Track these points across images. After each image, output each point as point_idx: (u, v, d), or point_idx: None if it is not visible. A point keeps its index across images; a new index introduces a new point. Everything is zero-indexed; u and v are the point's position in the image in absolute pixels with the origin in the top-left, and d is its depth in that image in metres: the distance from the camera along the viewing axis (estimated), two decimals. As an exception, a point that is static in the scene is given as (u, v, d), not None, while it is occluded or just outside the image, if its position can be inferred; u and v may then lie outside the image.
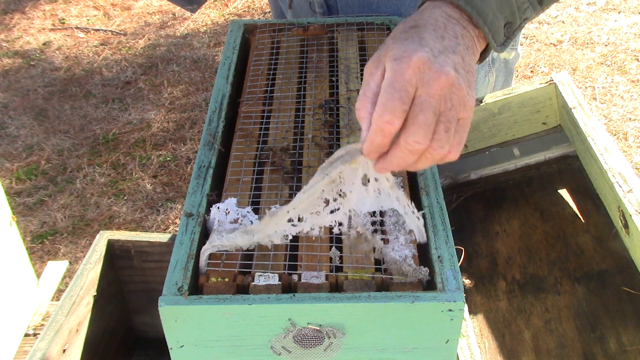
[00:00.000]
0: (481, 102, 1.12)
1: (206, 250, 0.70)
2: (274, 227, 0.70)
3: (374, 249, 0.70)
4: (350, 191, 0.70)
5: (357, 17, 1.09)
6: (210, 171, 0.81)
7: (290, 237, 0.71)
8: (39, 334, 1.28)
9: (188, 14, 3.95)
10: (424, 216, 0.73)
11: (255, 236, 0.70)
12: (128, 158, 2.85)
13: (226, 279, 0.68)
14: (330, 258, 0.70)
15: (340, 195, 0.70)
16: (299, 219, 0.70)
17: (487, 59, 1.20)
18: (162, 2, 4.04)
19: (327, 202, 0.70)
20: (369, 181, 0.70)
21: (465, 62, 0.67)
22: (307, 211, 0.70)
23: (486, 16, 0.71)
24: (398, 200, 0.72)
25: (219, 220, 0.73)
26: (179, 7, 1.13)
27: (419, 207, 0.76)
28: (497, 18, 0.73)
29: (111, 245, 1.22)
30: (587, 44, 3.36)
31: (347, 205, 0.70)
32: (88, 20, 3.89)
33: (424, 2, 0.73)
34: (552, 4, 0.82)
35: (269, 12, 3.82)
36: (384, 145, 0.64)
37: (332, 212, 0.70)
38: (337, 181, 0.69)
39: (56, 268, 1.49)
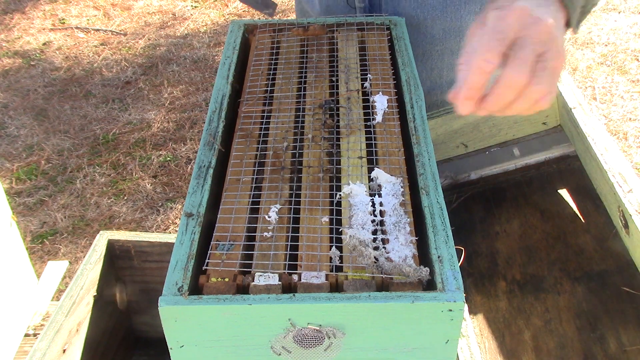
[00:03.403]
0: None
1: None
2: None
3: (375, 258, 0.70)
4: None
5: (357, 17, 1.09)
6: (210, 171, 0.81)
7: None
8: (39, 334, 1.28)
9: (188, 14, 3.95)
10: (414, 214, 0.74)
11: None
12: (128, 158, 2.85)
13: (226, 279, 0.68)
14: (330, 258, 0.70)
15: None
16: None
17: None
18: (162, 2, 4.04)
19: None
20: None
21: (557, 21, 0.70)
22: None
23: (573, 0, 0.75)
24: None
25: None
26: (256, 11, 1.17)
27: (420, 207, 0.76)
28: (578, 2, 0.77)
29: (111, 245, 1.22)
30: (587, 44, 3.36)
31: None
32: (88, 20, 3.89)
33: None
34: None
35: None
36: (482, 84, 0.66)
37: None
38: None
39: (56, 268, 1.49)
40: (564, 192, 1.12)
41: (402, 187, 0.78)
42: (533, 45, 0.66)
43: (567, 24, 0.77)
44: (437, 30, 1.11)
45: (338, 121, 0.89)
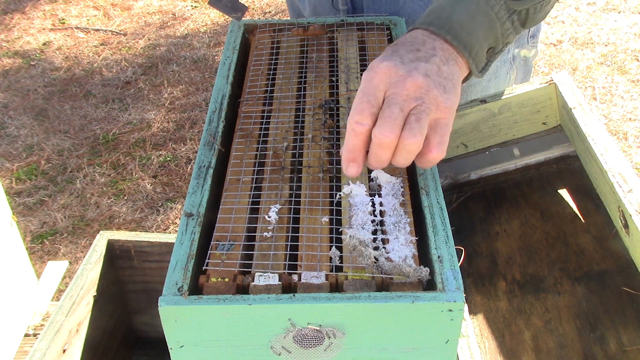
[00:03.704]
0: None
1: None
2: None
3: (375, 258, 0.70)
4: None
5: (357, 17, 1.09)
6: (210, 171, 0.81)
7: None
8: (39, 334, 1.28)
9: (188, 14, 3.95)
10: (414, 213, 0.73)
11: None
12: (128, 158, 2.85)
13: (226, 279, 0.68)
14: (330, 258, 0.70)
15: None
16: None
17: (508, 57, 1.21)
18: (162, 2, 4.04)
19: None
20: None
21: (441, 70, 0.70)
22: None
23: (472, 48, 0.75)
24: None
25: None
26: (222, 14, 1.17)
27: (420, 207, 0.76)
28: (482, 47, 0.77)
29: (111, 245, 1.22)
30: (587, 44, 3.36)
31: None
32: (88, 20, 3.89)
33: (410, 30, 0.78)
34: (534, 25, 0.85)
35: (269, 12, 3.83)
36: (359, 147, 0.69)
37: None
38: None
39: (56, 268, 1.49)
40: (564, 192, 1.12)
41: (402, 187, 0.78)
42: (399, 103, 0.67)
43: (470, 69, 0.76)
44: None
45: (338, 121, 0.89)
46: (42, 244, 2.46)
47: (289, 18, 1.32)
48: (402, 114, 0.67)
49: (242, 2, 1.06)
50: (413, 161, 0.82)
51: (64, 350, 1.06)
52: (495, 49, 0.79)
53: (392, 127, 0.66)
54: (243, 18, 1.04)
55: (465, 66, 0.75)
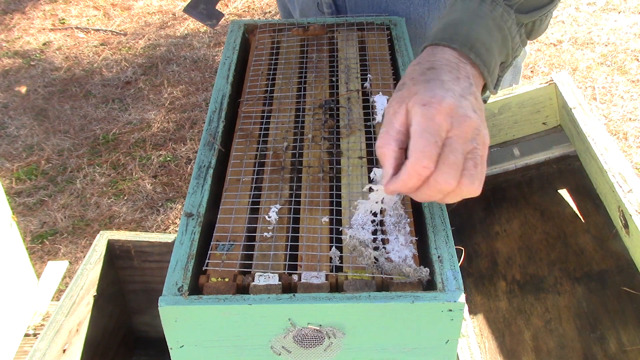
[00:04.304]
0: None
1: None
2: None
3: (375, 258, 0.70)
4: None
5: (357, 17, 1.09)
6: (210, 171, 0.81)
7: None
8: (39, 334, 1.28)
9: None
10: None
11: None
12: (128, 158, 2.85)
13: (226, 279, 0.68)
14: (330, 258, 0.70)
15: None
16: None
17: None
18: (162, 2, 4.04)
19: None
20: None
21: (478, 102, 0.69)
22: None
23: (490, 65, 0.74)
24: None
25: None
26: (198, 21, 1.16)
27: (420, 207, 0.76)
28: (496, 64, 0.76)
29: (111, 245, 1.22)
30: (587, 44, 3.36)
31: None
32: (88, 20, 3.89)
33: (427, 46, 0.75)
34: (538, 37, 0.86)
35: (269, 12, 3.83)
36: (417, 187, 0.66)
37: None
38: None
39: (56, 268, 1.49)
40: (564, 192, 1.12)
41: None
42: (463, 145, 0.64)
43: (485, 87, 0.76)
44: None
45: (338, 121, 0.89)
46: (42, 244, 2.46)
47: (288, 18, 1.32)
48: (463, 159, 0.65)
49: (219, 9, 1.06)
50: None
51: (64, 350, 1.06)
52: (505, 64, 0.79)
53: (456, 175, 0.64)
54: (243, 17, 1.04)
55: (482, 83, 0.74)
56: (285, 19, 1.20)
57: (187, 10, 1.09)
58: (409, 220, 0.73)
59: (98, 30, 3.79)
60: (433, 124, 0.64)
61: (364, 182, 0.79)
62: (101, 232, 1.23)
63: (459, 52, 0.72)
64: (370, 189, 0.73)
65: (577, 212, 1.09)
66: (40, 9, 4.02)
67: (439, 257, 0.69)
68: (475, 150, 0.65)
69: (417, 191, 0.66)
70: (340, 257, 0.70)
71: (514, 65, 1.28)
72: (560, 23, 3.54)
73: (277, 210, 0.76)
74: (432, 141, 0.63)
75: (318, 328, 0.66)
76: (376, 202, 0.74)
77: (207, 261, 0.70)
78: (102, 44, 3.67)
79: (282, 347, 0.68)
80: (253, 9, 3.84)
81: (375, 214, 0.74)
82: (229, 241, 0.72)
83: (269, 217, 0.75)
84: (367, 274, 0.68)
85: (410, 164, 0.64)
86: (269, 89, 0.96)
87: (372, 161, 0.82)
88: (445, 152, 0.64)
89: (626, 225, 0.93)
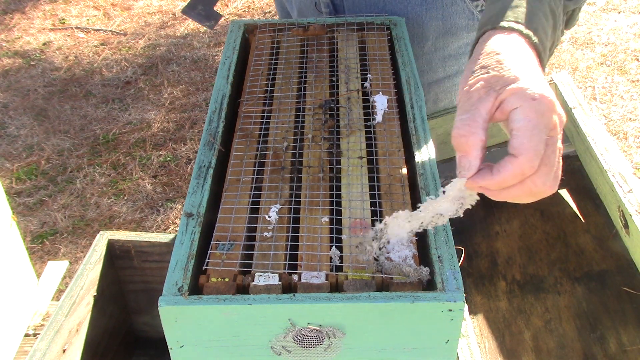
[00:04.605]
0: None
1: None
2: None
3: (375, 258, 0.70)
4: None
5: (357, 17, 1.09)
6: (210, 171, 0.81)
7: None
8: (39, 334, 1.28)
9: (188, 14, 3.94)
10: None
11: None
12: (128, 158, 2.85)
13: (226, 279, 0.68)
14: (330, 258, 0.70)
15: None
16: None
17: None
18: (162, 2, 4.04)
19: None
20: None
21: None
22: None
23: (545, 51, 0.71)
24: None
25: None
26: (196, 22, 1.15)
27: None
28: (548, 48, 0.73)
29: (111, 245, 1.22)
30: (587, 44, 3.36)
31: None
32: (88, 20, 3.89)
33: (487, 30, 0.70)
34: (571, 28, 0.84)
35: (269, 12, 3.83)
36: (510, 185, 0.60)
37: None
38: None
39: (56, 268, 1.49)
40: (564, 192, 1.12)
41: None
42: (558, 147, 0.61)
43: None
44: None
45: (338, 121, 0.89)
46: (42, 244, 2.46)
47: (289, 18, 1.32)
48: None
49: (217, 10, 1.06)
50: (413, 161, 0.82)
51: (64, 350, 1.06)
52: (550, 52, 0.76)
53: (553, 177, 0.60)
54: (243, 17, 1.04)
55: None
56: (286, 19, 1.20)
57: (185, 11, 1.09)
58: (409, 220, 0.73)
59: (98, 30, 3.79)
60: (544, 120, 0.59)
61: (364, 182, 0.79)
62: (101, 232, 1.23)
63: (525, 38, 0.68)
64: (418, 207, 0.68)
65: (577, 212, 1.09)
66: (40, 9, 4.02)
67: (439, 257, 0.69)
68: (560, 150, 0.61)
69: (505, 190, 0.61)
70: (340, 257, 0.70)
71: None
72: (560, 23, 3.54)
73: (277, 210, 0.76)
74: (543, 140, 0.58)
75: (318, 328, 0.66)
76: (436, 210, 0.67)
77: (207, 261, 0.70)
78: (102, 44, 3.67)
79: (282, 347, 0.68)
80: (253, 9, 3.84)
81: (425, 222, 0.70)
82: (229, 241, 0.72)
83: (269, 217, 0.75)
84: (367, 274, 0.68)
85: (518, 162, 0.58)
86: (269, 89, 0.96)
87: (372, 161, 0.82)
88: (547, 152, 0.59)
89: (626, 225, 0.93)
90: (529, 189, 0.60)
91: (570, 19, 0.81)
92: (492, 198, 0.63)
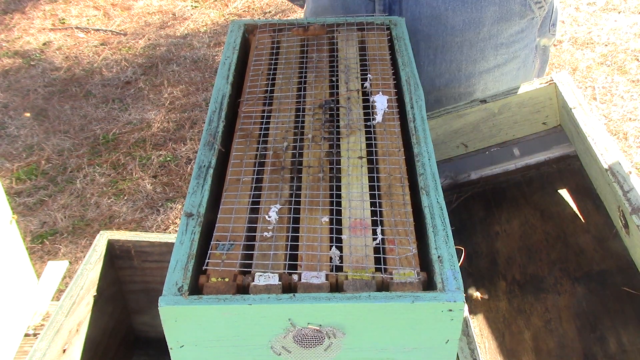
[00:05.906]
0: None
1: None
2: None
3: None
4: None
5: (357, 17, 1.09)
6: (210, 171, 0.81)
7: None
8: (39, 334, 1.28)
9: (188, 14, 3.95)
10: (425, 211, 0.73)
11: None
12: (128, 158, 2.85)
13: (226, 279, 0.68)
14: (330, 258, 0.70)
15: None
16: None
17: (534, 45, 1.22)
18: (162, 2, 4.04)
19: None
20: None
21: None
22: None
23: None
24: None
25: None
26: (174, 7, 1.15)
27: (420, 207, 0.76)
28: None
29: (111, 245, 1.22)
30: (587, 44, 3.36)
31: None
32: (88, 20, 3.89)
33: None
34: None
35: (269, 12, 3.83)
36: None
37: None
38: None
39: (56, 268, 1.49)
40: (564, 192, 1.12)
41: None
42: None
43: None
44: (457, 21, 1.12)
45: (338, 121, 0.89)
46: (42, 244, 2.46)
47: (289, 18, 1.31)
48: None
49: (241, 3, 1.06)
50: (413, 161, 0.82)
51: (64, 350, 1.06)
52: None
53: None
54: (243, 17, 1.04)
55: None
56: (286, 19, 1.20)
57: None
58: (409, 220, 0.73)
59: (98, 30, 3.79)
60: None
61: (364, 182, 0.79)
62: (101, 232, 1.23)
63: None
64: None
65: (577, 212, 1.09)
66: (40, 9, 4.02)
67: (439, 257, 0.69)
68: None
69: None
70: (340, 257, 0.70)
71: (543, 53, 1.29)
72: (560, 23, 3.54)
73: (277, 210, 0.76)
74: None
75: (318, 328, 0.66)
76: None
77: (207, 261, 0.70)
78: (102, 44, 3.67)
79: (282, 347, 0.68)
80: (253, 9, 3.84)
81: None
82: (229, 241, 0.72)
83: (269, 217, 0.75)
84: (367, 274, 0.68)
85: None
86: (269, 89, 0.96)
87: (372, 161, 0.82)
88: None
89: (626, 225, 0.93)
90: None
91: None
92: None
